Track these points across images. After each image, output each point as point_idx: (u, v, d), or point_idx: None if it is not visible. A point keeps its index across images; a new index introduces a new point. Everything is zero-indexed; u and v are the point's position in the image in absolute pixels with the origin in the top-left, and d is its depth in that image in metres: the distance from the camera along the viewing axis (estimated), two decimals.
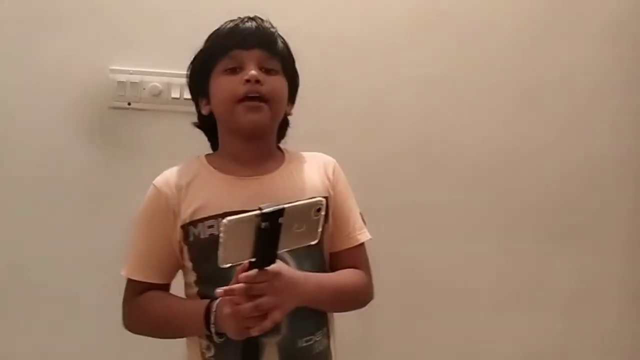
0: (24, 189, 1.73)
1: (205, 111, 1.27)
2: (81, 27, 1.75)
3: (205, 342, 1.18)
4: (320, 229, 1.01)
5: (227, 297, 1.04)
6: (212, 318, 1.09)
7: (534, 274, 1.92)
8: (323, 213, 0.99)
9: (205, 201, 1.17)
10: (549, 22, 1.92)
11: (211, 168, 1.23)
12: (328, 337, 1.24)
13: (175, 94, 1.77)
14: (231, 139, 1.24)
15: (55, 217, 1.73)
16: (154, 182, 1.24)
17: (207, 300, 1.12)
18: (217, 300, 1.09)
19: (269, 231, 0.95)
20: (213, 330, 1.09)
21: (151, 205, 1.22)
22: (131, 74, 1.76)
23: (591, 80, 1.95)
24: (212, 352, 1.17)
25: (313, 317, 1.20)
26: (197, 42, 1.79)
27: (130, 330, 1.24)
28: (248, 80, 1.17)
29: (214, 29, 1.28)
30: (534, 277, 1.92)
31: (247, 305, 1.02)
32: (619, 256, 1.96)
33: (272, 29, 1.26)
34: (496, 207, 1.91)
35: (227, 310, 1.05)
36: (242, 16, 1.26)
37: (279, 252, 1.00)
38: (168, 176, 1.23)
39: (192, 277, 1.21)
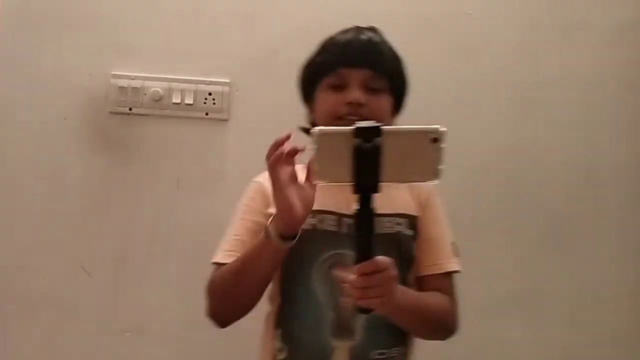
0: (25, 193, 1.73)
1: (309, 119, 1.29)
2: (82, 33, 1.75)
3: (278, 344, 1.18)
4: (441, 166, 0.90)
5: None
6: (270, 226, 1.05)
7: (536, 280, 1.91)
8: (443, 145, 0.89)
9: None
10: (548, 27, 1.92)
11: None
12: (405, 357, 1.22)
13: (176, 99, 1.77)
14: None
15: (56, 222, 1.73)
16: (252, 179, 1.25)
17: None
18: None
19: (365, 151, 0.88)
20: (273, 231, 1.04)
21: (249, 194, 1.24)
22: (132, 79, 1.76)
23: (591, 84, 1.94)
24: (284, 355, 1.17)
25: (391, 332, 1.18)
26: (198, 48, 1.82)
27: (211, 312, 1.17)
28: (350, 103, 1.18)
29: (330, 36, 1.27)
30: (536, 283, 1.91)
31: None
32: (624, 262, 1.95)
33: (384, 45, 1.25)
34: (498, 212, 1.90)
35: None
36: (359, 25, 1.26)
37: (387, 183, 0.90)
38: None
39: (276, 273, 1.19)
